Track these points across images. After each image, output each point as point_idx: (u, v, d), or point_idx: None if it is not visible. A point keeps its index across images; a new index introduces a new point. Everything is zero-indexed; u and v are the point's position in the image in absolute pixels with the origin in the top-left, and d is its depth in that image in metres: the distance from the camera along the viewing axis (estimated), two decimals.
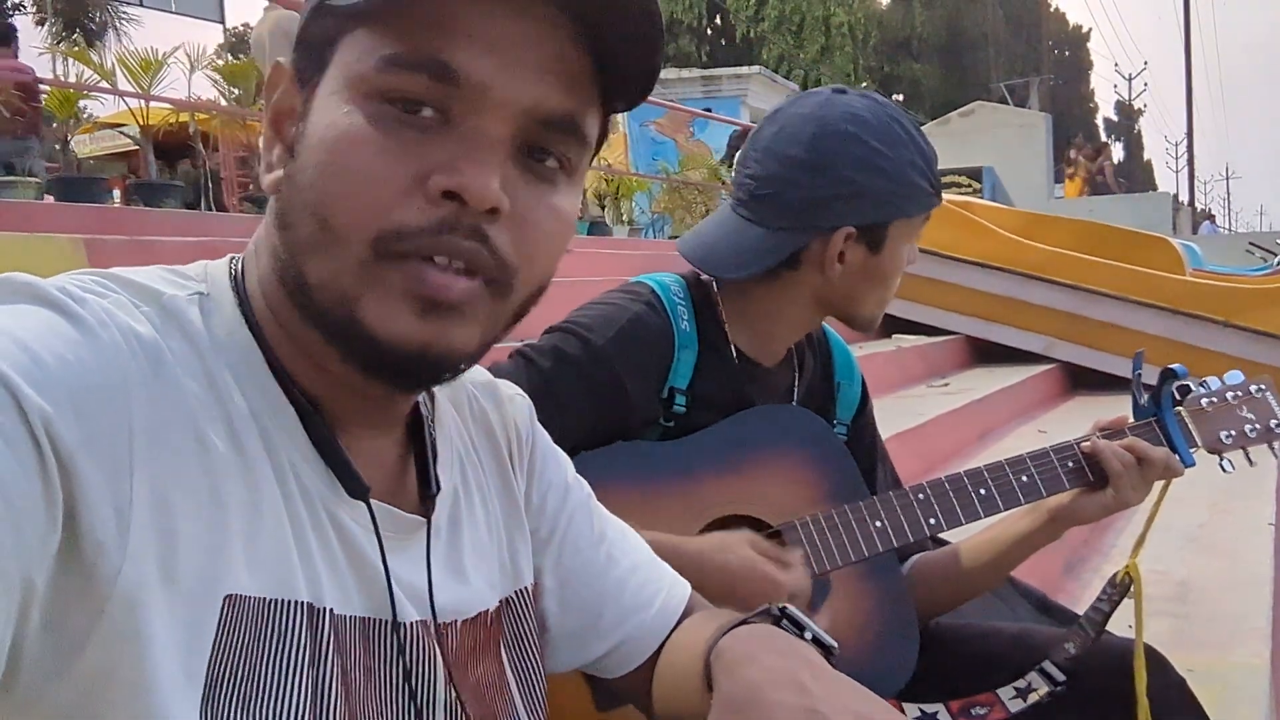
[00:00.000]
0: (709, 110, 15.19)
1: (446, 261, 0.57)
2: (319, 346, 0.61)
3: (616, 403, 1.22)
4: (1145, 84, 44.62)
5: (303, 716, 0.58)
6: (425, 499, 0.70)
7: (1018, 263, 5.81)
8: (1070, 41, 42.88)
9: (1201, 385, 1.40)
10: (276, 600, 0.58)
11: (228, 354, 0.60)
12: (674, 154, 13.44)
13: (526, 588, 0.79)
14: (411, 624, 0.67)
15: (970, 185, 11.71)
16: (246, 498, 0.57)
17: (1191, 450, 1.35)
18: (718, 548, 1.13)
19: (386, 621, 0.65)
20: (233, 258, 0.66)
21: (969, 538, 1.40)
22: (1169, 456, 1.31)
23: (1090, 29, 43.42)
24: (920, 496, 1.29)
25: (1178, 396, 1.38)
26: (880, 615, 1.32)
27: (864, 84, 29.89)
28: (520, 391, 0.86)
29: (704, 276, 1.34)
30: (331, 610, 0.61)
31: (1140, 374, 1.38)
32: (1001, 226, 6.14)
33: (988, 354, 5.84)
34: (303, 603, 0.59)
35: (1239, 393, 1.40)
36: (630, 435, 1.24)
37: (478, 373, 0.82)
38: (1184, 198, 28.70)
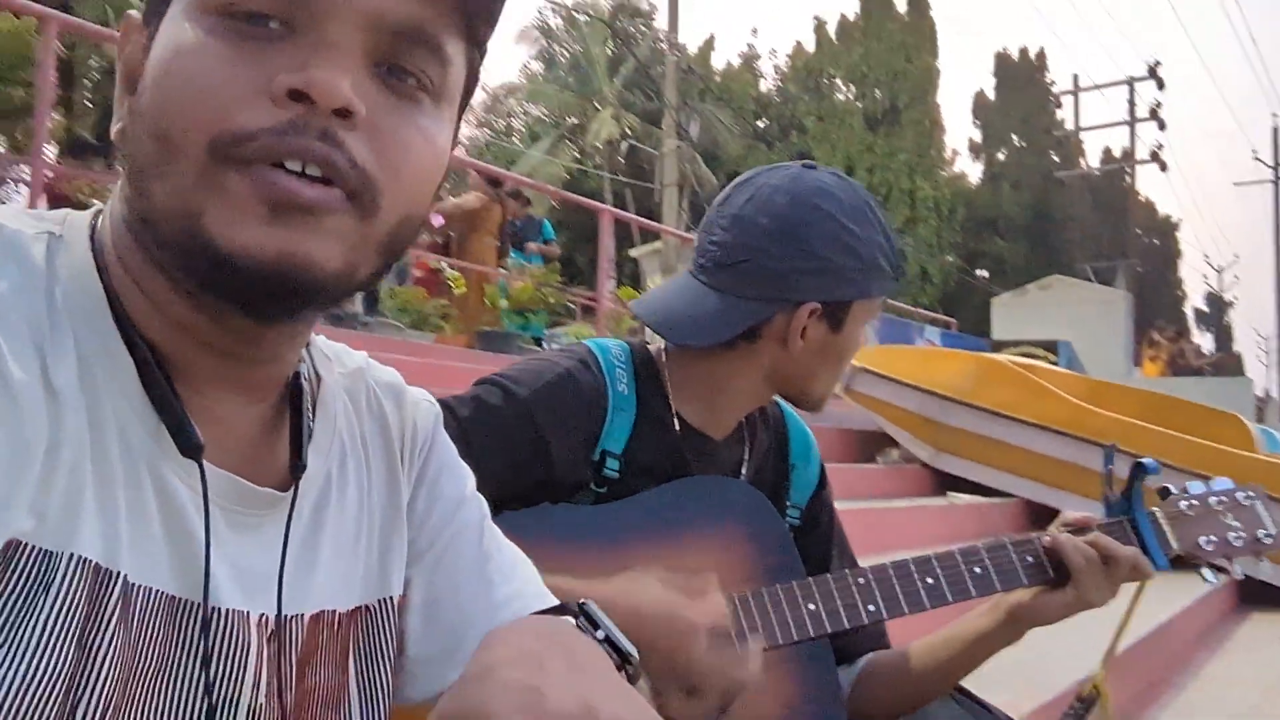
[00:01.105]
0: None
1: (299, 167, 0.54)
2: (167, 293, 0.59)
3: (536, 457, 1.16)
4: (1236, 276, 44.23)
5: (58, 679, 0.53)
6: (292, 478, 0.66)
7: (1082, 429, 5.65)
8: (1159, 230, 42.78)
9: (1184, 490, 1.32)
10: (56, 553, 0.53)
11: (67, 294, 0.57)
12: None
13: (392, 598, 0.74)
14: (227, 611, 0.61)
15: (1045, 357, 11.57)
16: (46, 438, 0.53)
17: (1166, 555, 1.25)
18: (625, 591, 1.03)
19: (194, 604, 0.59)
20: (99, 209, 0.64)
21: (924, 637, 1.31)
22: (1137, 556, 1.21)
23: (1180, 220, 43.20)
24: (860, 581, 1.20)
25: (1158, 497, 1.30)
26: (803, 709, 1.21)
27: (949, 257, 30.14)
28: (430, 398, 0.82)
29: (650, 344, 1.31)
30: (125, 576, 0.56)
31: (1111, 470, 1.31)
32: (1067, 391, 6.01)
33: (1045, 519, 5.61)
34: (86, 560, 0.54)
35: (1224, 499, 1.31)
36: (557, 498, 1.18)
37: (384, 372, 0.79)
38: (1275, 394, 27.89)
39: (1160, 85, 24.43)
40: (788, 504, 1.35)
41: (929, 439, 6.05)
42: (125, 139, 0.59)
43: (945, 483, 5.58)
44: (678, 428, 1.26)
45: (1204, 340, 42.44)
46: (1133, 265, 23.99)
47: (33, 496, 0.52)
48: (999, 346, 12.15)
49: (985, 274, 31.67)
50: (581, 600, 0.65)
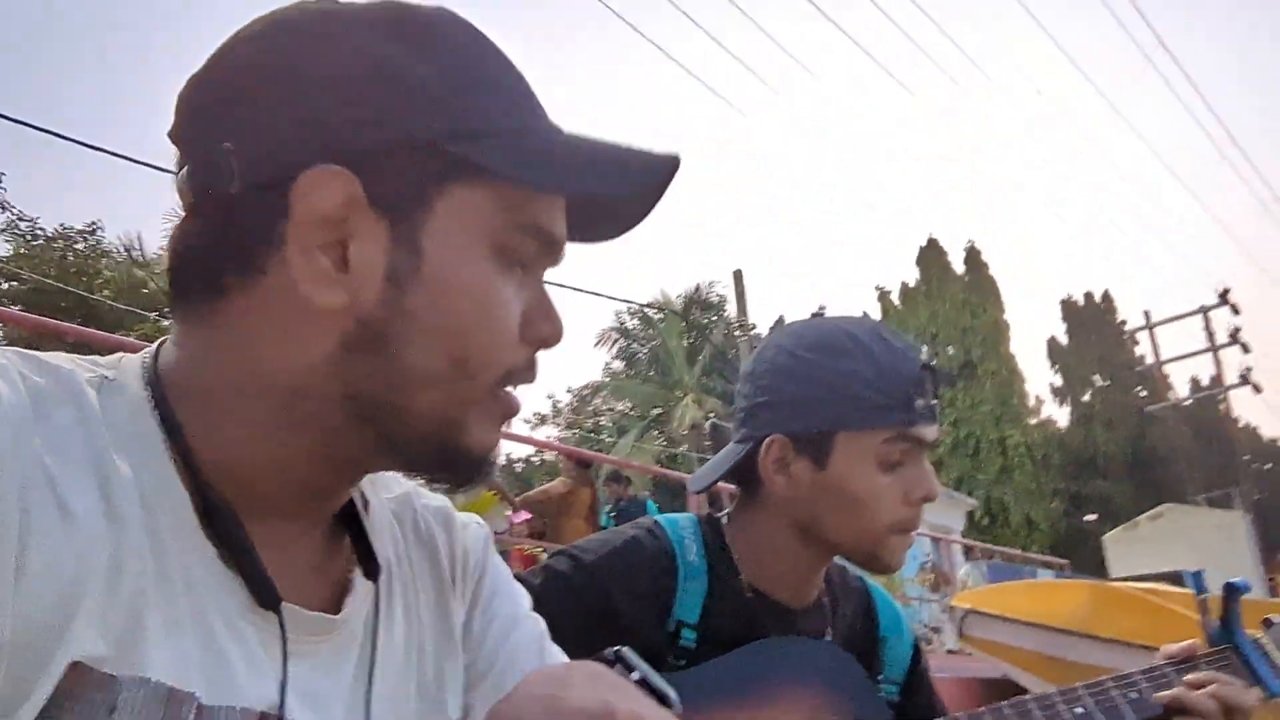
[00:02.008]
0: None
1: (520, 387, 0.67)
2: (286, 437, 0.61)
3: (607, 624, 1.14)
4: None
5: None
6: (343, 596, 0.67)
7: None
8: (1269, 455, 41.30)
9: None
10: (121, 677, 0.52)
11: (122, 432, 0.57)
12: None
13: None
14: None
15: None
16: (107, 558, 0.53)
17: (1277, 680, 1.23)
18: None
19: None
20: (147, 350, 0.65)
21: None
22: (1256, 694, 1.19)
23: None
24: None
25: (1261, 626, 1.28)
26: None
27: (1052, 503, 29.32)
28: (480, 520, 0.83)
29: (717, 515, 1.31)
30: (198, 699, 0.55)
31: (1205, 597, 1.29)
32: (1190, 610, 5.71)
33: None
34: (154, 681, 0.53)
35: None
36: None
37: (432, 498, 0.80)
38: None
39: (1235, 310, 24.39)
40: (881, 678, 1.33)
41: (1056, 678, 5.74)
42: (372, 326, 0.60)
43: None
44: (751, 595, 1.24)
45: None
46: (1248, 492, 22.99)
47: (98, 617, 0.52)
48: None
49: (1094, 516, 30.57)
50: (617, 648, 0.66)
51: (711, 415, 25.71)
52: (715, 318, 28.45)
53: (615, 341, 29.26)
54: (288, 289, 0.59)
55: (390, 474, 0.77)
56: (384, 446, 0.63)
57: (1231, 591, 1.27)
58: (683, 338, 27.34)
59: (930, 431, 1.21)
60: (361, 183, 0.59)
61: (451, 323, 0.60)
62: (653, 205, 0.69)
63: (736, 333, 23.24)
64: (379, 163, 0.59)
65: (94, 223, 21.44)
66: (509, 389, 0.65)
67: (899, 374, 1.19)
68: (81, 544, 0.51)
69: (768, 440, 1.22)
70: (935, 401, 1.22)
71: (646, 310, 27.03)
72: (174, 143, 0.63)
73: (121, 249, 20.96)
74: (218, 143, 0.59)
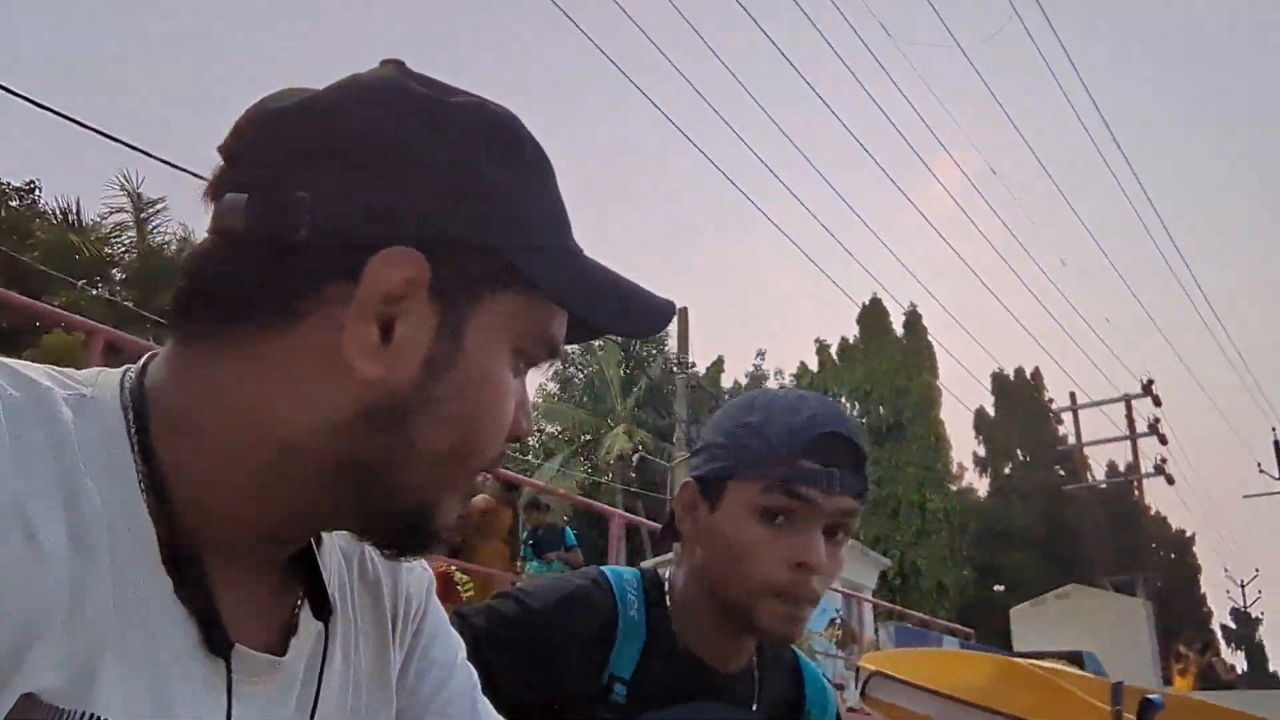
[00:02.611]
0: None
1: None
2: (274, 495, 0.62)
3: (548, 670, 1.16)
4: (1260, 591, 43.17)
5: None
6: (288, 636, 0.68)
7: None
8: (1175, 544, 42.44)
9: None
10: (71, 712, 0.52)
11: (91, 456, 0.57)
12: None
13: None
14: None
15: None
16: (69, 589, 0.52)
17: None
18: None
19: None
20: (128, 368, 0.64)
21: None
22: None
23: (1194, 533, 42.87)
24: None
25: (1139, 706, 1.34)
26: None
27: (964, 570, 29.76)
28: (425, 565, 0.83)
29: (661, 572, 1.32)
30: None
31: (1120, 710, 1.35)
32: (1095, 698, 5.82)
33: None
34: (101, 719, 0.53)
35: None
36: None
37: None
38: None
39: (1156, 402, 25.13)
40: None
41: None
42: (396, 403, 0.62)
43: None
44: (685, 656, 1.25)
45: (1236, 659, 40.80)
46: (1152, 579, 23.58)
47: (56, 650, 0.51)
48: None
49: (1002, 587, 31.09)
50: None
51: (640, 447, 25.75)
52: (656, 351, 28.53)
53: (551, 364, 29.05)
54: (324, 348, 0.60)
55: None
56: (361, 513, 0.65)
57: (1147, 707, 1.33)
58: (620, 367, 27.37)
59: (817, 496, 1.18)
60: (436, 271, 0.62)
61: (468, 413, 0.64)
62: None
63: (674, 369, 23.34)
64: (447, 254, 0.62)
65: (32, 181, 20.86)
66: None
67: (793, 432, 1.19)
68: (46, 574, 0.51)
69: (683, 483, 1.29)
70: (837, 471, 1.19)
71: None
72: (226, 160, 0.63)
73: (58, 212, 20.37)
74: (295, 188, 0.60)
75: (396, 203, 0.61)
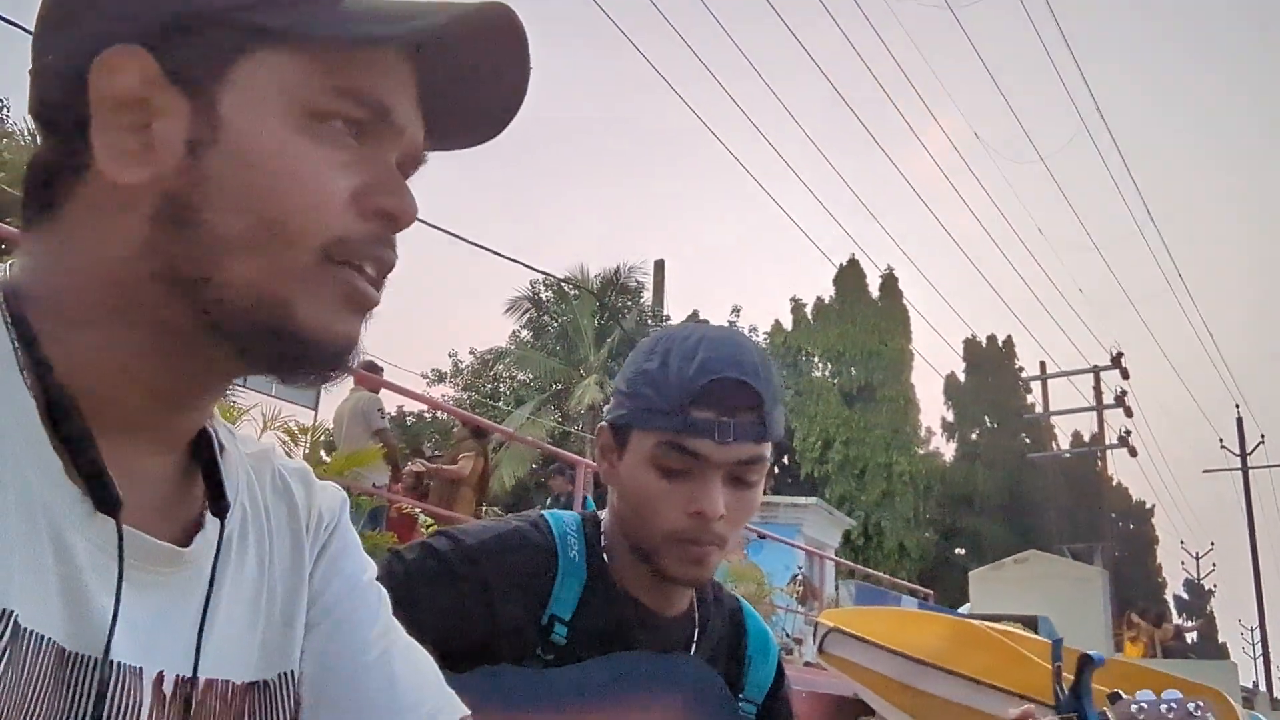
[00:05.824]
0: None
1: (374, 271, 0.65)
2: (127, 334, 0.61)
3: (481, 609, 1.15)
4: (1214, 564, 44.06)
5: None
6: (216, 516, 0.68)
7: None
8: (1134, 515, 43.12)
9: (1134, 697, 1.35)
10: None
11: None
12: (722, 570, 13.46)
13: (292, 673, 0.74)
14: (118, 665, 0.59)
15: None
16: None
17: None
18: None
19: (86, 658, 0.57)
20: (10, 262, 0.65)
21: None
22: None
23: (1153, 505, 43.53)
24: None
25: (1108, 701, 1.34)
26: None
27: (926, 532, 30.14)
28: (338, 486, 0.83)
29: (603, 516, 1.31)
30: (15, 617, 0.53)
31: (1060, 665, 1.35)
32: (1042, 659, 5.91)
33: None
34: None
35: (1174, 706, 1.34)
36: (502, 661, 1.15)
37: (292, 461, 0.81)
38: (1263, 686, 27.16)
39: (1124, 375, 25.37)
40: (741, 697, 1.34)
41: (906, 706, 5.88)
42: (176, 196, 0.60)
43: None
44: (623, 599, 1.25)
45: (1190, 634, 41.71)
46: (1110, 549, 23.97)
47: None
48: None
49: (963, 551, 31.54)
50: None
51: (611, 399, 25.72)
52: (631, 303, 28.44)
53: (526, 311, 29.00)
54: (100, 178, 0.60)
55: (249, 434, 0.79)
56: (210, 330, 0.61)
57: (1086, 663, 1.33)
58: (595, 318, 27.29)
59: (709, 449, 1.15)
60: (159, 60, 0.60)
61: (252, 182, 0.60)
62: (502, 85, 0.69)
63: (649, 321, 23.30)
64: (175, 39, 0.61)
65: (1, 100, 20.36)
66: (348, 267, 0.63)
67: (682, 383, 1.16)
68: None
69: (598, 426, 1.28)
70: (731, 420, 1.16)
71: (563, 284, 26.84)
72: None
73: (27, 133, 19.90)
74: (46, 54, 0.62)
75: (106, 6, 0.61)
